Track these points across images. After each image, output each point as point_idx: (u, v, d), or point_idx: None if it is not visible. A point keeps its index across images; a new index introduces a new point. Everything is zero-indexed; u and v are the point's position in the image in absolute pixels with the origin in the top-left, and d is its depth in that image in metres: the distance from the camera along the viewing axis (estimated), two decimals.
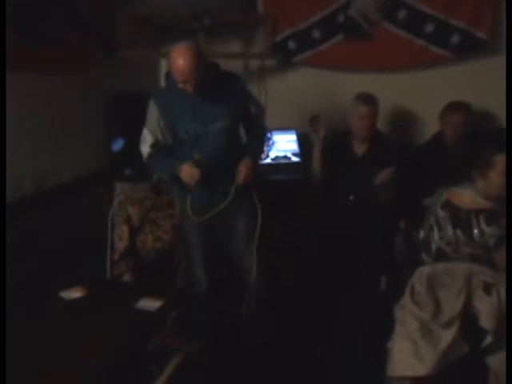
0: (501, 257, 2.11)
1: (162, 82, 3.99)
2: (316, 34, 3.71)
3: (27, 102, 2.78)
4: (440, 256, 2.27)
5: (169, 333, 2.32)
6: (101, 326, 2.04)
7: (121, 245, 3.04)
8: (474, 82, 3.50)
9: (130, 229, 3.05)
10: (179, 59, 2.32)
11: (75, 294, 2.30)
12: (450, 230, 2.23)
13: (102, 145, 3.41)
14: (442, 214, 2.27)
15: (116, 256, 3.03)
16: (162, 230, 3.10)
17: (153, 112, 2.53)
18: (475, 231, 2.16)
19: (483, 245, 2.14)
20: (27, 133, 2.79)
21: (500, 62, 3.42)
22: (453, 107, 3.21)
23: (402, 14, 3.52)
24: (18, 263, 2.40)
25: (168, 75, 2.67)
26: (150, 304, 2.20)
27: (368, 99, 3.14)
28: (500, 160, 2.15)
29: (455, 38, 3.43)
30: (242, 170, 2.47)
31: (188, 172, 2.40)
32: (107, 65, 3.32)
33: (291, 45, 3.77)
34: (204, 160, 2.42)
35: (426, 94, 3.63)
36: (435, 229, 2.29)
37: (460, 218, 2.21)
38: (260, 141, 2.71)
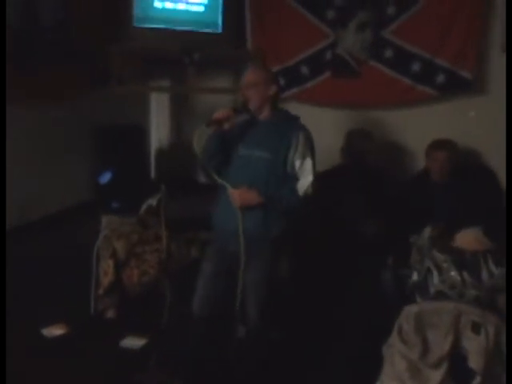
0: (504, 299, 2.10)
1: (152, 116, 4.02)
2: (304, 70, 3.78)
3: (13, 131, 2.77)
4: (440, 299, 2.24)
5: (153, 370, 2.27)
6: (83, 366, 1.99)
7: (106, 279, 2.98)
8: (459, 120, 3.55)
9: (115, 263, 3.00)
10: (246, 73, 2.50)
11: (57, 331, 2.25)
12: (453, 273, 2.20)
13: (90, 177, 3.40)
14: (441, 256, 2.24)
15: (100, 291, 2.97)
16: (148, 264, 3.05)
17: None
18: (484, 273, 2.14)
19: (491, 287, 2.12)
20: (13, 163, 2.77)
21: (484, 100, 3.50)
22: (438, 145, 3.25)
23: (388, 53, 3.59)
24: None
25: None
26: (134, 342, 2.16)
27: (362, 134, 3.19)
28: None
29: (440, 78, 3.50)
30: (234, 190, 2.41)
31: (220, 110, 2.42)
32: (96, 97, 3.33)
33: (280, 81, 3.80)
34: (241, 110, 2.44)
35: (412, 131, 3.67)
36: (435, 273, 2.26)
37: (466, 261, 2.19)
38: (283, 196, 2.46)
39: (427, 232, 2.37)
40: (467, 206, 2.84)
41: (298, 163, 2.44)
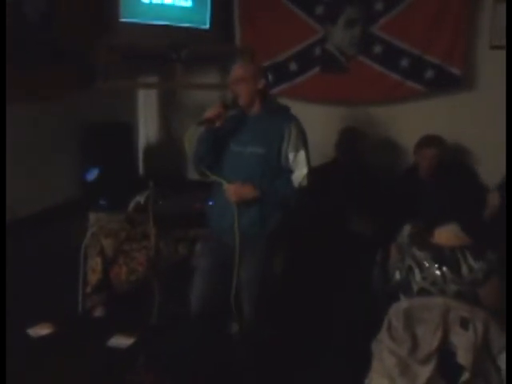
0: (488, 291, 2.11)
1: (140, 112, 3.99)
2: (293, 66, 3.76)
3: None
4: (423, 296, 2.25)
5: (141, 370, 2.25)
6: (70, 365, 1.97)
7: (93, 277, 2.96)
8: (447, 116, 3.55)
9: (103, 261, 2.98)
10: (234, 68, 2.47)
11: (43, 330, 2.22)
12: (434, 270, 2.21)
13: (77, 174, 3.36)
14: (420, 254, 2.25)
15: (88, 289, 2.95)
16: (137, 261, 3.03)
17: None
18: (463, 267, 2.15)
19: (471, 280, 2.13)
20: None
21: (473, 97, 3.51)
22: (426, 141, 3.25)
23: (377, 49, 3.59)
24: None
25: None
26: (122, 341, 2.14)
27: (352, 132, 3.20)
28: (491, 199, 2.17)
29: (429, 73, 3.50)
30: (230, 186, 2.41)
31: (211, 108, 2.41)
32: (84, 94, 3.30)
33: (269, 77, 3.79)
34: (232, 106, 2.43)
35: (400, 127, 3.68)
36: (416, 270, 2.26)
37: (445, 257, 2.20)
38: (278, 189, 2.48)
39: (406, 230, 2.38)
40: (451, 202, 2.85)
41: (291, 156, 2.44)
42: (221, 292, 2.53)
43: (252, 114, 2.48)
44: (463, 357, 2.02)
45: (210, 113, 2.39)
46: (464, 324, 2.05)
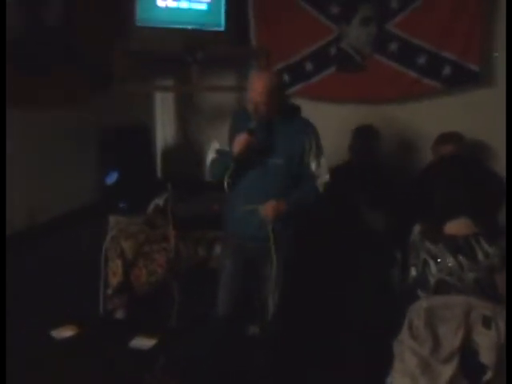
0: (503, 279, 2.09)
1: (157, 115, 4.02)
2: (309, 66, 3.76)
3: (20, 136, 2.77)
4: (441, 288, 2.24)
5: (162, 371, 2.27)
6: (93, 367, 1.99)
7: (114, 279, 2.99)
8: (465, 113, 3.51)
9: (123, 263, 3.01)
10: (256, 78, 2.45)
11: (66, 332, 2.25)
12: (450, 260, 2.21)
13: (96, 178, 3.40)
14: (434, 247, 2.24)
15: (109, 291, 2.99)
16: (156, 263, 3.06)
17: (230, 126, 2.62)
18: (479, 253, 2.15)
19: (488, 266, 2.12)
20: (19, 167, 2.78)
21: (491, 93, 3.46)
22: (444, 138, 3.22)
23: (393, 47, 3.56)
24: (8, 299, 2.36)
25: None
26: (143, 342, 2.15)
27: (368, 132, 3.23)
28: None
29: (447, 70, 3.46)
30: (271, 203, 2.44)
31: (237, 139, 2.40)
32: (101, 98, 3.33)
33: (284, 77, 3.80)
34: (257, 130, 2.41)
35: (419, 125, 3.64)
36: (431, 263, 2.25)
37: (459, 245, 2.20)
38: (303, 198, 2.56)
39: (417, 228, 2.38)
40: (463, 195, 2.82)
41: (314, 164, 2.51)
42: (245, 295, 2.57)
43: (270, 123, 2.46)
44: (486, 356, 2.00)
45: (240, 146, 2.38)
46: (486, 323, 2.03)
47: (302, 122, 2.56)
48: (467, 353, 2.05)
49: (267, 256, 2.49)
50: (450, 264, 2.20)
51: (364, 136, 3.31)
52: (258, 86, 2.41)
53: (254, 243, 2.51)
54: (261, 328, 2.70)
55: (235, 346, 2.62)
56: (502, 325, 2.00)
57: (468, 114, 3.50)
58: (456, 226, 2.25)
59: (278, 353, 2.63)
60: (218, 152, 2.57)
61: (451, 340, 2.06)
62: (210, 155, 2.61)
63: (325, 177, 2.54)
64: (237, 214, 2.52)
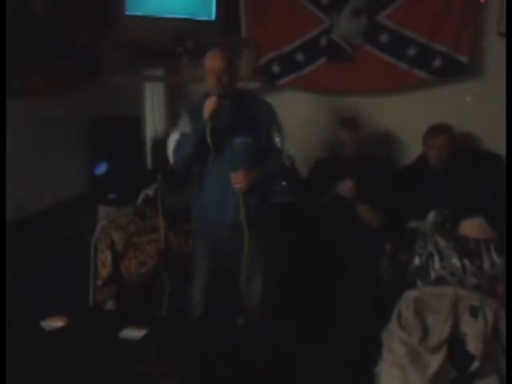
0: (503, 289, 2.10)
1: (147, 106, 3.99)
2: (299, 57, 3.74)
3: (9, 126, 2.74)
4: (440, 284, 2.25)
5: (153, 361, 2.27)
6: (83, 357, 1.99)
7: (104, 270, 2.98)
8: (455, 105, 3.53)
9: (113, 254, 3.00)
10: (211, 54, 2.48)
11: (56, 323, 2.24)
12: (455, 260, 2.21)
13: (86, 169, 3.38)
14: (443, 242, 2.25)
15: (99, 282, 2.97)
16: (146, 254, 3.05)
17: (183, 119, 2.60)
18: (486, 262, 2.14)
19: (492, 275, 2.12)
20: (8, 157, 2.75)
21: (480, 84, 3.48)
22: (435, 130, 3.23)
23: (384, 38, 3.56)
24: None
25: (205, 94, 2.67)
26: (133, 333, 2.16)
27: (348, 124, 3.16)
28: None
29: (437, 62, 3.47)
30: (238, 174, 2.45)
31: (208, 102, 2.39)
32: (91, 89, 3.30)
33: (275, 68, 3.79)
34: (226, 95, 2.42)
35: (408, 116, 3.65)
36: (436, 257, 2.26)
37: (468, 248, 2.19)
38: (272, 169, 2.64)
39: (431, 217, 2.37)
40: (467, 192, 2.83)
41: (278, 140, 2.58)
42: (225, 286, 2.58)
43: (231, 102, 2.46)
44: (473, 345, 2.03)
45: (212, 105, 2.37)
46: (474, 313, 2.05)
47: (261, 102, 2.62)
48: (455, 342, 2.08)
49: (244, 243, 2.49)
50: (454, 264, 2.20)
51: (351, 127, 3.28)
52: (214, 61, 2.45)
53: (231, 231, 2.50)
54: (245, 318, 2.70)
55: (224, 337, 2.63)
56: (490, 314, 2.03)
57: (457, 105, 3.51)
58: (471, 227, 2.24)
59: (264, 341, 2.64)
60: (182, 135, 2.54)
61: (440, 330, 2.08)
62: (172, 142, 2.58)
63: (290, 150, 2.71)
64: (210, 202, 2.51)
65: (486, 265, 2.13)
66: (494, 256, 2.13)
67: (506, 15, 3.15)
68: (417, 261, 2.36)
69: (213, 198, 2.52)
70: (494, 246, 2.14)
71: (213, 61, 2.46)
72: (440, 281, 2.23)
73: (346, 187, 3.02)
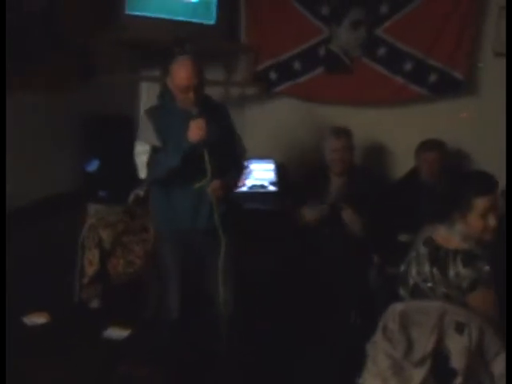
0: (474, 300, 2.10)
1: (142, 105, 3.98)
2: (297, 65, 3.76)
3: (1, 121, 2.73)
4: (416, 292, 2.26)
5: (136, 361, 2.25)
6: (65, 355, 1.97)
7: (90, 268, 2.97)
8: (449, 121, 3.56)
9: (100, 252, 2.99)
10: (182, 67, 2.41)
11: (39, 319, 2.22)
12: (427, 267, 2.22)
13: (77, 166, 3.36)
14: (422, 250, 2.26)
15: (85, 280, 2.96)
16: (134, 254, 3.04)
17: (147, 125, 2.53)
18: (451, 271, 2.15)
19: (458, 286, 2.13)
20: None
21: (475, 101, 3.51)
22: (428, 145, 3.26)
23: (381, 51, 3.59)
24: None
25: (162, 95, 2.66)
26: (117, 333, 2.14)
27: (339, 133, 3.16)
28: (480, 203, 2.16)
29: (432, 77, 3.50)
30: (215, 184, 2.47)
31: (195, 125, 2.38)
32: (86, 86, 3.29)
33: (272, 75, 3.80)
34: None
35: (402, 130, 3.68)
36: (413, 263, 2.28)
37: (438, 257, 2.21)
38: (237, 173, 2.73)
39: (422, 230, 2.37)
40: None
41: (239, 142, 2.67)
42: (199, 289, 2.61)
43: (194, 109, 2.43)
44: (457, 361, 2.03)
45: (199, 133, 2.38)
46: (459, 328, 2.05)
47: (218, 105, 2.66)
48: (439, 357, 2.08)
49: (216, 245, 2.51)
50: (425, 272, 2.22)
51: (342, 136, 3.27)
52: (189, 77, 2.40)
53: (204, 235, 2.52)
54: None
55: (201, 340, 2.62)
56: (475, 331, 2.03)
57: (451, 121, 3.54)
58: (442, 235, 2.25)
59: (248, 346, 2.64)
60: (155, 150, 2.50)
61: (424, 344, 2.08)
62: (142, 155, 2.53)
63: (245, 153, 2.74)
64: (181, 208, 2.51)
65: (451, 275, 2.14)
66: (460, 267, 2.13)
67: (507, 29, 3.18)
68: (402, 267, 2.37)
69: (184, 204, 2.50)
70: (460, 257, 2.14)
71: (187, 76, 2.39)
72: (416, 288, 2.24)
73: (348, 217, 3.02)
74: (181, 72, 2.41)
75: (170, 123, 2.48)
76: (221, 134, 2.52)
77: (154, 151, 2.50)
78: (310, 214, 3.09)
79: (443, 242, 2.22)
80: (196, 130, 2.38)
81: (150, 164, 2.51)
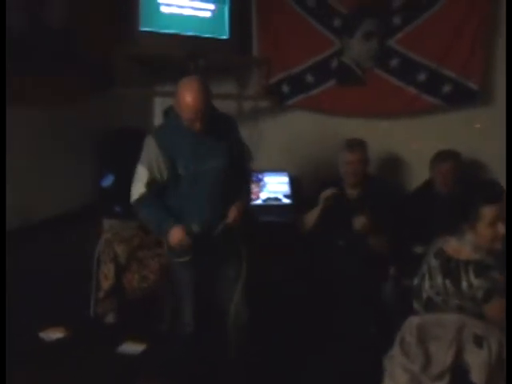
0: (491, 310, 2.07)
1: (156, 120, 4.01)
2: (309, 78, 3.77)
3: (16, 134, 2.76)
4: (430, 305, 2.23)
5: (151, 377, 2.24)
6: (80, 371, 1.97)
7: (106, 283, 2.97)
8: (463, 131, 3.53)
9: (116, 267, 3.00)
10: (189, 94, 2.30)
11: (55, 334, 2.22)
12: (439, 280, 2.20)
13: (92, 180, 3.38)
14: (434, 262, 2.24)
15: (101, 294, 2.96)
16: (149, 269, 3.04)
17: (151, 148, 2.47)
18: (464, 282, 2.12)
19: (471, 297, 2.10)
20: (14, 166, 2.76)
21: (490, 112, 3.48)
22: (443, 156, 3.24)
23: (394, 62, 3.58)
24: None
25: (167, 112, 2.66)
26: (132, 348, 2.13)
27: (353, 145, 3.15)
28: (488, 212, 2.14)
29: (446, 88, 3.48)
30: (234, 210, 2.48)
31: (178, 236, 2.37)
32: (100, 101, 3.32)
33: (285, 88, 3.81)
34: (200, 234, 2.42)
35: (416, 141, 3.66)
36: (426, 277, 2.25)
37: (450, 268, 2.18)
38: (249, 185, 2.76)
39: (434, 242, 2.35)
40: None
41: (247, 156, 2.65)
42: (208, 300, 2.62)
43: (200, 129, 2.39)
44: (477, 375, 2.00)
45: (176, 242, 2.39)
46: (478, 342, 2.02)
47: (226, 118, 2.61)
48: (458, 371, 2.05)
49: (230, 258, 2.55)
50: (438, 284, 2.19)
51: (357, 149, 3.25)
52: (196, 102, 2.30)
53: (215, 248, 2.51)
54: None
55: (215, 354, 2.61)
56: (494, 345, 2.00)
57: (465, 132, 3.52)
58: (452, 246, 2.23)
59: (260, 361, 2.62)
60: (149, 185, 2.48)
61: (442, 358, 2.05)
62: (140, 187, 2.51)
63: (252, 161, 2.70)
64: (191, 221, 2.47)
65: (464, 286, 2.11)
66: (472, 277, 2.11)
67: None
68: (415, 281, 2.35)
69: (195, 218, 2.48)
70: (472, 267, 2.11)
71: (193, 104, 2.30)
72: (429, 301, 2.21)
73: (360, 224, 2.98)
74: (186, 98, 2.31)
75: (178, 143, 2.44)
76: (229, 152, 2.52)
77: (148, 186, 2.47)
78: (308, 217, 3.08)
79: (454, 254, 2.19)
80: (175, 239, 2.38)
81: (143, 203, 2.50)
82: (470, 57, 3.43)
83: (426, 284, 2.25)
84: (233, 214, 2.48)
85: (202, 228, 2.43)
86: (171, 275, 2.73)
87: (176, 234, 2.37)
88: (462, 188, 3.08)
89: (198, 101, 2.31)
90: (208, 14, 3.63)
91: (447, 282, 2.16)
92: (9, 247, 2.61)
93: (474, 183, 2.97)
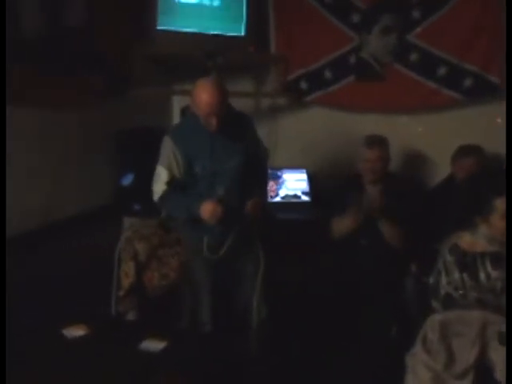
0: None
1: (175, 119, 4.03)
2: (328, 74, 3.74)
3: (37, 135, 2.80)
4: (449, 302, 2.21)
5: (173, 374, 2.25)
6: (102, 367, 1.99)
7: (126, 281, 3.00)
8: (485, 126, 3.48)
9: (136, 265, 3.02)
10: (205, 92, 2.34)
11: (78, 331, 2.24)
12: (456, 275, 2.18)
13: (112, 179, 3.41)
14: (449, 258, 2.22)
15: (121, 292, 2.99)
16: (169, 267, 3.06)
17: (169, 148, 2.50)
18: (481, 275, 2.10)
19: (490, 289, 2.08)
20: (34, 166, 2.80)
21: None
22: (464, 151, 3.19)
23: (413, 57, 3.54)
24: (21, 298, 2.37)
25: (184, 112, 2.68)
26: (154, 345, 2.14)
27: (372, 142, 3.11)
28: (501, 204, 2.11)
29: (467, 82, 3.43)
30: (252, 203, 2.49)
31: (210, 209, 2.38)
32: (119, 101, 3.35)
33: (303, 84, 3.80)
34: (227, 198, 2.44)
35: (437, 136, 3.62)
36: (443, 273, 2.24)
37: (466, 262, 2.16)
38: (265, 182, 2.78)
39: (448, 238, 2.33)
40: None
41: (263, 153, 2.68)
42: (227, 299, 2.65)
43: (218, 128, 2.41)
44: (502, 373, 1.97)
45: (209, 216, 2.40)
46: (502, 339, 1.99)
47: (242, 117, 2.62)
48: (482, 369, 2.02)
49: (249, 257, 2.56)
50: (456, 279, 2.17)
51: (378, 145, 3.22)
52: (212, 103, 2.33)
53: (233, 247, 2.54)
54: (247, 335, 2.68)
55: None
56: None
57: (488, 126, 3.46)
58: (467, 240, 2.21)
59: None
60: (169, 183, 2.52)
61: (466, 355, 2.03)
62: (160, 186, 2.55)
63: (268, 156, 2.74)
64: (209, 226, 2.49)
65: (482, 278, 2.09)
66: (489, 269, 2.08)
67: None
68: (431, 279, 2.33)
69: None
70: (489, 259, 2.09)
71: (209, 95, 2.33)
72: (448, 297, 2.19)
73: (372, 198, 2.95)
74: (201, 94, 2.35)
75: (195, 142, 2.47)
76: (246, 150, 2.53)
77: (169, 184, 2.51)
78: (339, 226, 3.05)
79: (469, 248, 2.18)
80: (206, 213, 2.40)
81: (166, 197, 2.52)
82: (491, 50, 3.38)
83: (443, 280, 2.23)
84: (251, 205, 2.49)
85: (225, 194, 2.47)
86: (189, 274, 2.74)
87: (208, 207, 2.39)
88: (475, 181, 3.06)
89: (213, 96, 2.34)
90: (225, 12, 3.63)
91: (465, 275, 2.15)
92: (32, 246, 2.65)
93: (484, 176, 2.92)
